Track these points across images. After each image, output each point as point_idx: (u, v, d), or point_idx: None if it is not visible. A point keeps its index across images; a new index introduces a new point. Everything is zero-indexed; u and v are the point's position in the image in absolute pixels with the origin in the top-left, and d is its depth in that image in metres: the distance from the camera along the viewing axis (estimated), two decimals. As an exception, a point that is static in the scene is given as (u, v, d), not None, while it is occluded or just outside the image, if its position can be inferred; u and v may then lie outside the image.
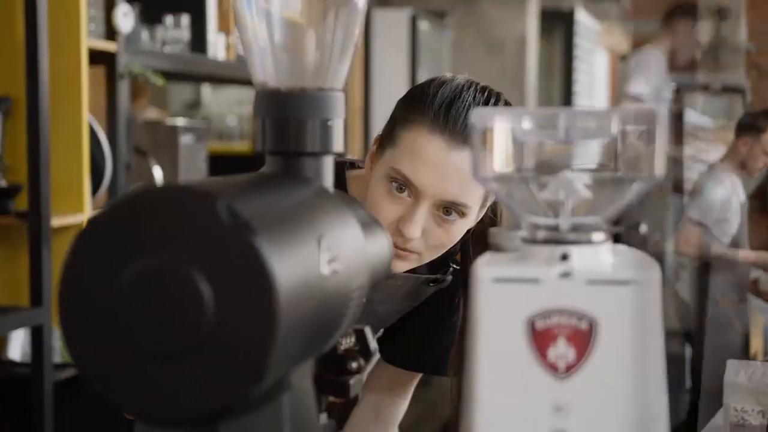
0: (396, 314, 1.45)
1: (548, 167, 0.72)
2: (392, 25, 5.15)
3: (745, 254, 4.21)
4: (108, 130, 2.65)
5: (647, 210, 4.22)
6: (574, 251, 0.69)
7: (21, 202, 2.39)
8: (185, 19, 3.03)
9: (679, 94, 4.33)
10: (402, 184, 1.24)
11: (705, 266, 4.19)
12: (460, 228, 1.27)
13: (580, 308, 0.67)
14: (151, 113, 4.07)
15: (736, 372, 1.92)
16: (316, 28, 0.79)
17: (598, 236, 0.70)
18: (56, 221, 2.39)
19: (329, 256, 0.69)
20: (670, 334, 4.22)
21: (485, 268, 0.69)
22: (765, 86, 9.60)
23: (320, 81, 0.79)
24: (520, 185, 0.71)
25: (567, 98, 7.12)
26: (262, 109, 0.79)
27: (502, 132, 0.70)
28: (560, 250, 0.69)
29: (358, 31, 0.81)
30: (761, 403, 1.84)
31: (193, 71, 3.16)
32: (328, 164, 0.80)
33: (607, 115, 0.68)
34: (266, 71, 0.79)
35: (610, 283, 0.67)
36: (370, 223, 0.85)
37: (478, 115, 0.70)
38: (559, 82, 7.14)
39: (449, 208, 1.25)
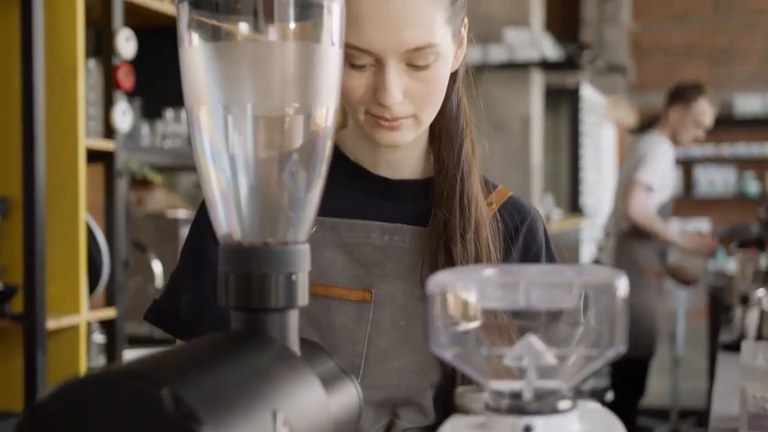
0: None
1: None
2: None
3: (684, 238, 4.26)
4: (106, 227, 2.65)
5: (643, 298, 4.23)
6: (538, 423, 0.66)
7: (17, 304, 2.38)
8: (185, 114, 3.04)
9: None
10: (356, 56, 1.11)
11: (631, 233, 4.22)
12: (440, 71, 1.15)
13: (544, 486, 0.65)
14: (159, 196, 4.08)
15: (753, 354, 1.71)
16: (279, 182, 0.78)
17: (564, 404, 0.68)
18: (52, 323, 2.38)
19: (286, 429, 0.67)
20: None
21: (446, 441, 0.67)
22: (647, 66, 9.67)
23: (284, 234, 0.78)
24: (481, 352, 0.69)
25: (574, 173, 7.13)
26: (225, 263, 0.77)
27: (461, 298, 0.69)
28: (524, 421, 0.67)
29: (321, 180, 0.80)
30: None
31: (193, 165, 3.17)
32: (293, 319, 0.78)
33: (568, 285, 0.67)
34: (230, 224, 0.78)
35: (575, 459, 0.65)
36: (336, 376, 0.83)
37: (435, 284, 0.68)
38: (566, 157, 7.15)
39: (419, 58, 1.11)
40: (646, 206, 4.11)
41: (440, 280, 0.69)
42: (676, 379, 5.50)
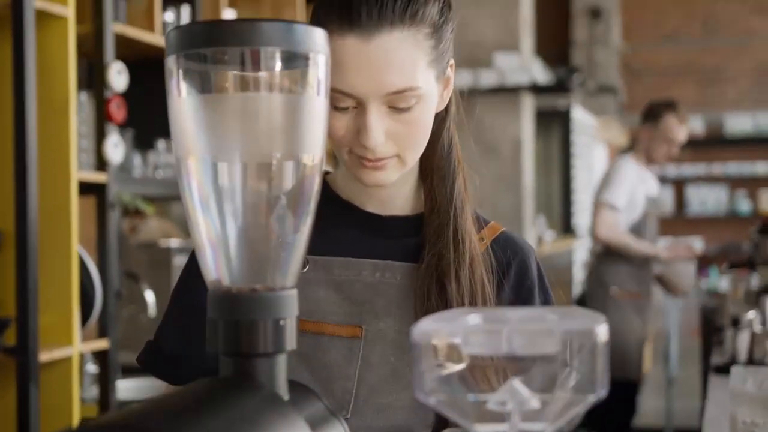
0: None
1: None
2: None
3: (656, 250, 4.23)
4: (98, 258, 2.66)
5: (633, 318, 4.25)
6: (522, 466, 0.68)
7: (10, 336, 2.39)
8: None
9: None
10: (338, 98, 1.13)
11: (604, 254, 4.24)
12: (423, 113, 1.16)
13: None
14: (153, 223, 4.09)
15: (742, 379, 1.72)
16: (267, 230, 0.80)
17: (548, 449, 0.69)
18: (45, 356, 2.38)
19: (274, 476, 0.68)
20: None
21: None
22: (637, 86, 9.75)
23: (273, 280, 0.80)
24: (466, 396, 0.71)
25: (566, 194, 7.16)
26: (214, 309, 0.79)
27: (446, 345, 0.70)
28: (508, 466, 0.68)
29: (308, 226, 0.81)
30: None
31: (185, 194, 3.18)
32: (282, 364, 0.80)
33: (549, 331, 0.68)
34: (219, 271, 0.80)
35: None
36: (325, 418, 0.85)
37: (419, 332, 0.69)
38: (558, 178, 7.18)
39: (400, 101, 1.13)
40: (612, 225, 4.15)
41: (424, 327, 0.70)
42: (670, 399, 5.51)
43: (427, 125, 1.18)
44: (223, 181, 0.79)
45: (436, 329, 0.70)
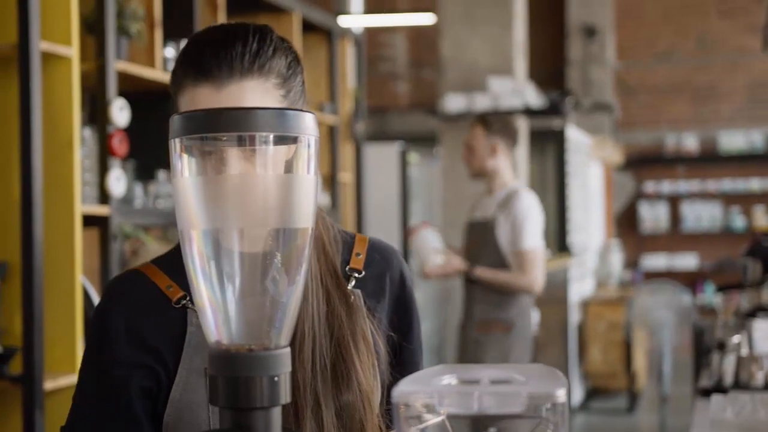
0: None
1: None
2: (383, 157, 5.34)
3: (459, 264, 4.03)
4: (101, 289, 2.74)
5: None
6: None
7: (16, 365, 2.46)
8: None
9: None
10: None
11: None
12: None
13: None
14: (154, 248, 4.13)
15: (722, 408, 1.80)
16: (262, 295, 0.88)
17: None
18: (50, 384, 2.46)
19: None
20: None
21: None
22: (633, 104, 9.83)
23: (267, 339, 0.88)
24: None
25: (561, 214, 7.23)
26: (214, 367, 0.87)
27: (422, 405, 0.78)
28: None
29: (299, 292, 0.90)
30: None
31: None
32: (277, 416, 0.88)
33: (516, 393, 0.76)
34: (218, 332, 0.88)
35: None
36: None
37: (399, 393, 0.78)
38: (553, 198, 7.25)
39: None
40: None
41: (403, 389, 0.78)
42: (664, 416, 5.58)
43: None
44: (222, 250, 0.87)
45: (414, 391, 0.79)
